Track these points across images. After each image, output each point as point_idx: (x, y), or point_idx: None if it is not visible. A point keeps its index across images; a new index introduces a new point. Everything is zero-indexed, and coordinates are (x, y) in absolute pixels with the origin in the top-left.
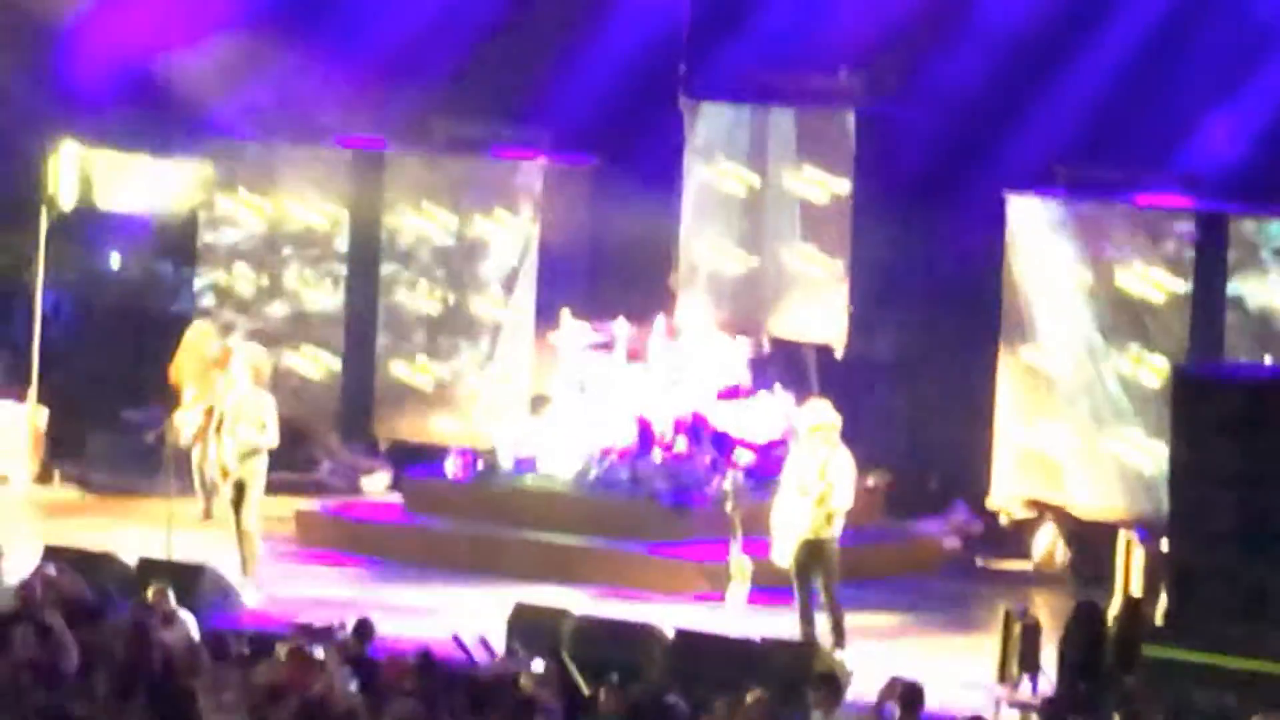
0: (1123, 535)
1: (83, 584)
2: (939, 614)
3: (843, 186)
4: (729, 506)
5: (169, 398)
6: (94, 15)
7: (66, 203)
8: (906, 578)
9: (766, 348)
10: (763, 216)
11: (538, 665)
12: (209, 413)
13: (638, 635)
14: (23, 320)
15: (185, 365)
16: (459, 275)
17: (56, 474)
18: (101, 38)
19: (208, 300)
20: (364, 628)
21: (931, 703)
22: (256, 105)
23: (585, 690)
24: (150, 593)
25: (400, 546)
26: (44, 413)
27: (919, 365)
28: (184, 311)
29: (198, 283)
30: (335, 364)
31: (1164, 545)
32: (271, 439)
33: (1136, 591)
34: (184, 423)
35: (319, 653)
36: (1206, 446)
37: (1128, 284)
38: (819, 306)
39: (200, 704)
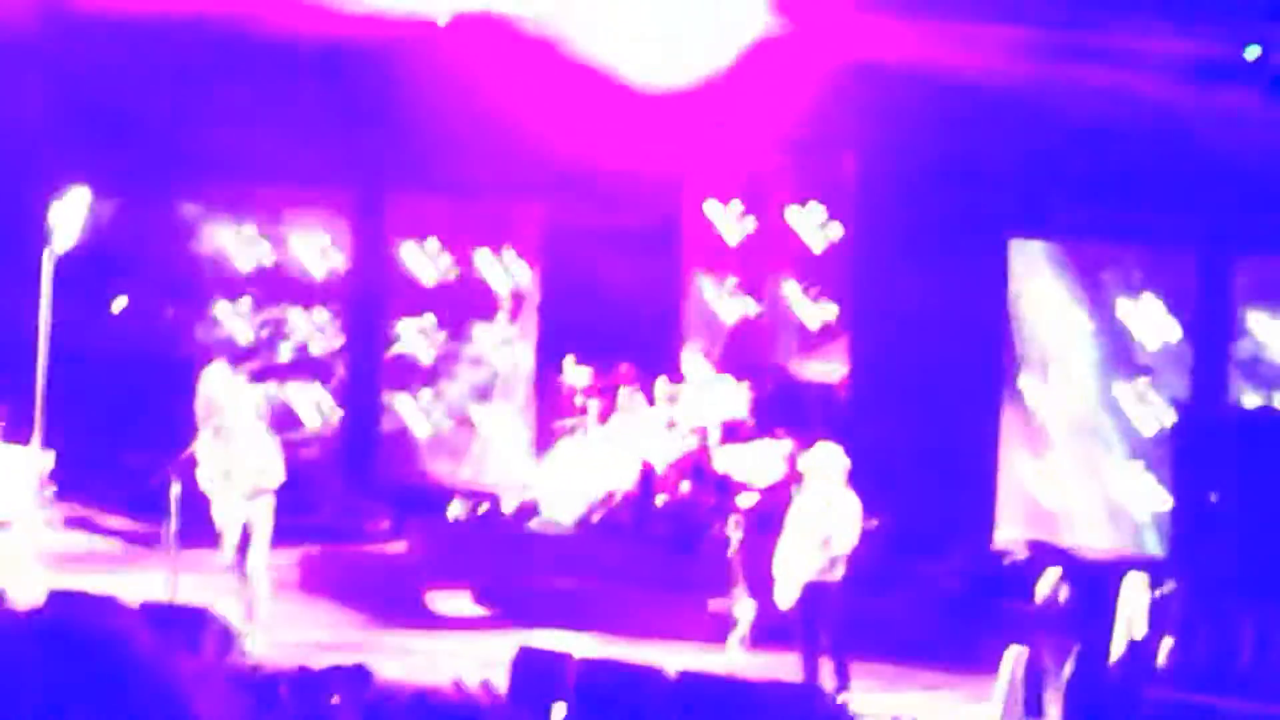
0: (1130, 577)
1: None
2: (942, 657)
3: (843, 228)
4: (732, 550)
5: (173, 441)
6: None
7: (67, 246)
8: (909, 621)
9: (770, 390)
10: (763, 258)
11: (558, 712)
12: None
13: (641, 678)
14: (27, 365)
15: (197, 408)
16: (461, 318)
17: (60, 518)
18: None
19: (211, 344)
20: (360, 674)
21: None
22: (260, 147)
23: None
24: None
25: (403, 591)
26: (48, 456)
27: (922, 406)
28: (187, 355)
29: (200, 326)
30: (339, 408)
31: (1167, 587)
32: (277, 478)
33: (1140, 634)
34: (203, 479)
35: (333, 700)
36: (1210, 489)
37: (1129, 325)
38: (822, 347)
39: None
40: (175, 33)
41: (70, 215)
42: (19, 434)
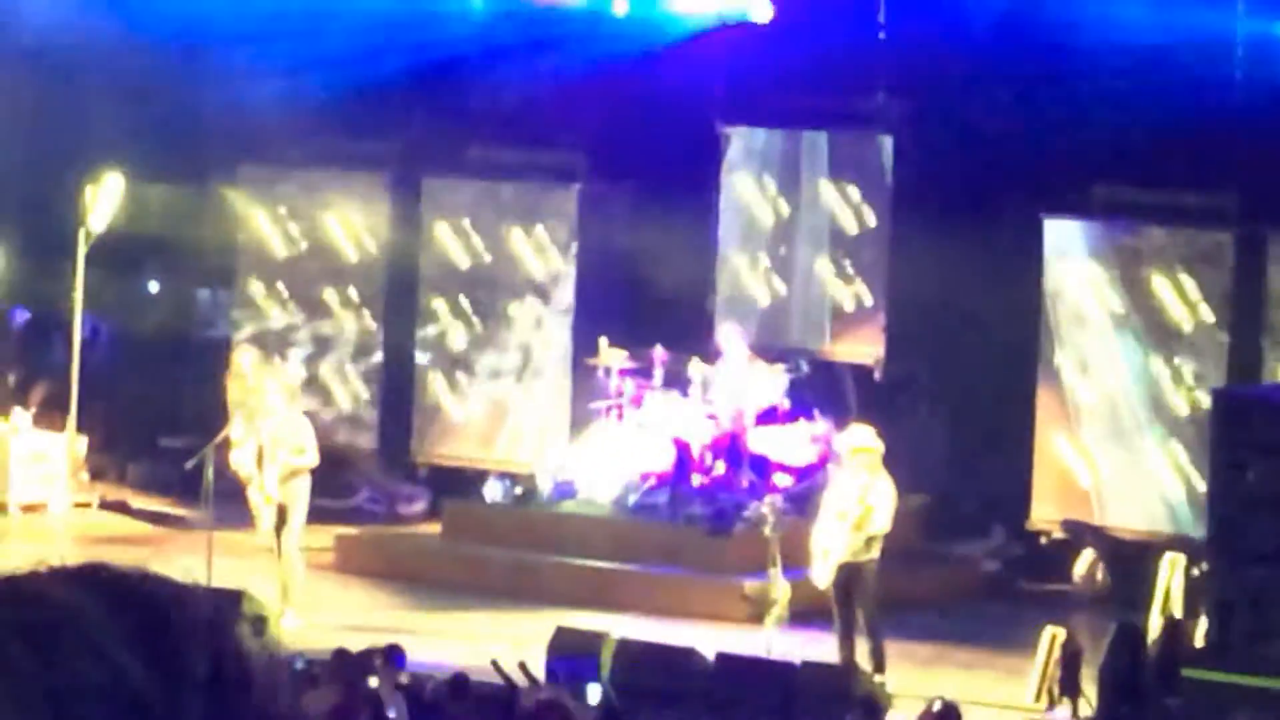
0: (1167, 558)
1: None
2: (979, 637)
3: (879, 209)
4: (768, 531)
5: (208, 424)
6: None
7: (101, 228)
8: (946, 601)
9: (805, 371)
10: (798, 240)
11: (594, 692)
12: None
13: (679, 659)
14: (62, 347)
15: (231, 391)
16: (497, 301)
17: (96, 501)
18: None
19: (246, 326)
20: (394, 654)
21: None
22: (295, 131)
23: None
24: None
25: (439, 572)
26: (83, 440)
27: (957, 388)
28: (222, 338)
29: (236, 309)
30: (374, 390)
31: (1204, 567)
32: (311, 459)
33: (1177, 613)
34: (239, 463)
35: (371, 681)
36: (1247, 468)
37: (1165, 306)
38: (856, 329)
39: None
40: (213, 13)
41: (105, 198)
42: (54, 417)
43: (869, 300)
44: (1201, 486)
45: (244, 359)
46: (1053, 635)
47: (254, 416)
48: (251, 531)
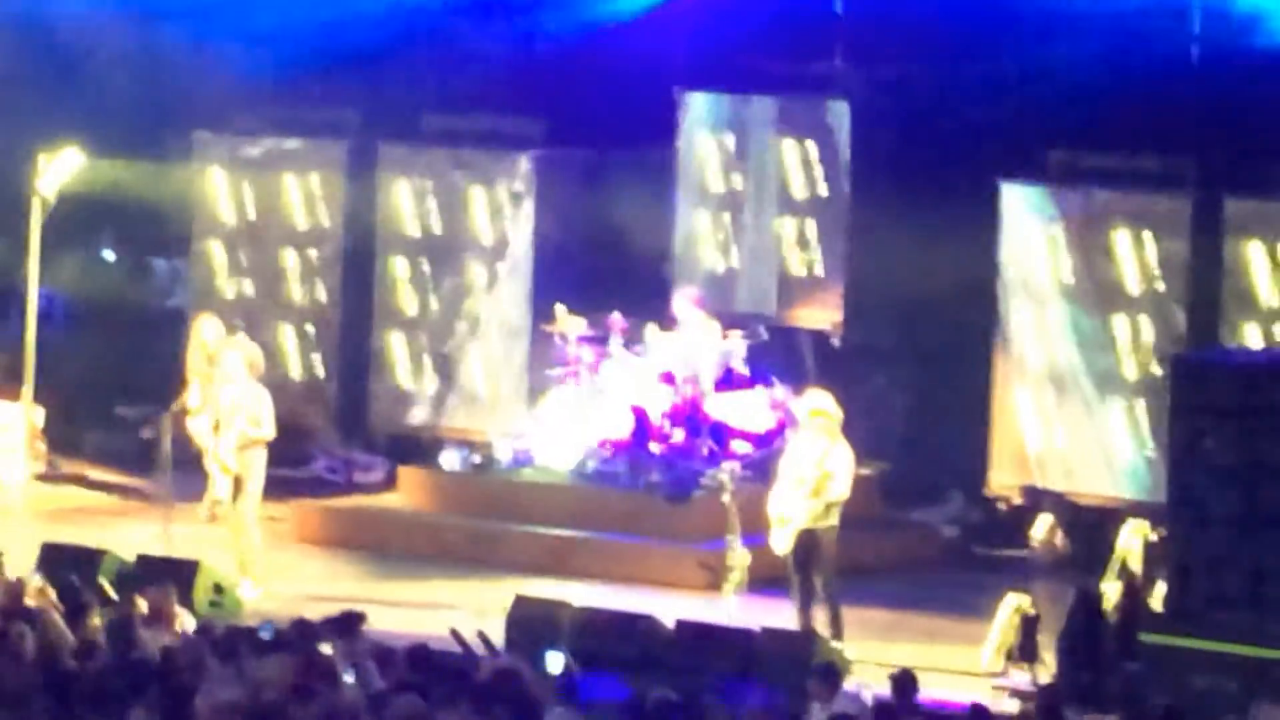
0: (1130, 524)
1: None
2: (937, 604)
3: (836, 175)
4: (726, 498)
5: (164, 394)
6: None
7: (51, 195)
8: (904, 568)
9: (764, 337)
10: (755, 205)
11: (554, 661)
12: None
13: (638, 627)
14: (16, 318)
15: (191, 360)
16: (453, 268)
17: (53, 472)
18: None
19: (202, 295)
20: (353, 622)
21: (931, 692)
22: (252, 99)
23: None
24: (146, 597)
25: (397, 541)
26: (40, 411)
27: (915, 354)
28: (179, 307)
29: (192, 278)
30: (331, 358)
31: (1163, 532)
32: (268, 431)
33: (1135, 578)
34: (197, 431)
35: (329, 650)
36: (1205, 434)
37: (1123, 271)
38: (814, 296)
39: (199, 703)
40: None
41: (59, 168)
42: (10, 388)
43: (827, 267)
44: (1160, 452)
45: (206, 327)
46: (1015, 604)
47: (210, 385)
48: (208, 502)
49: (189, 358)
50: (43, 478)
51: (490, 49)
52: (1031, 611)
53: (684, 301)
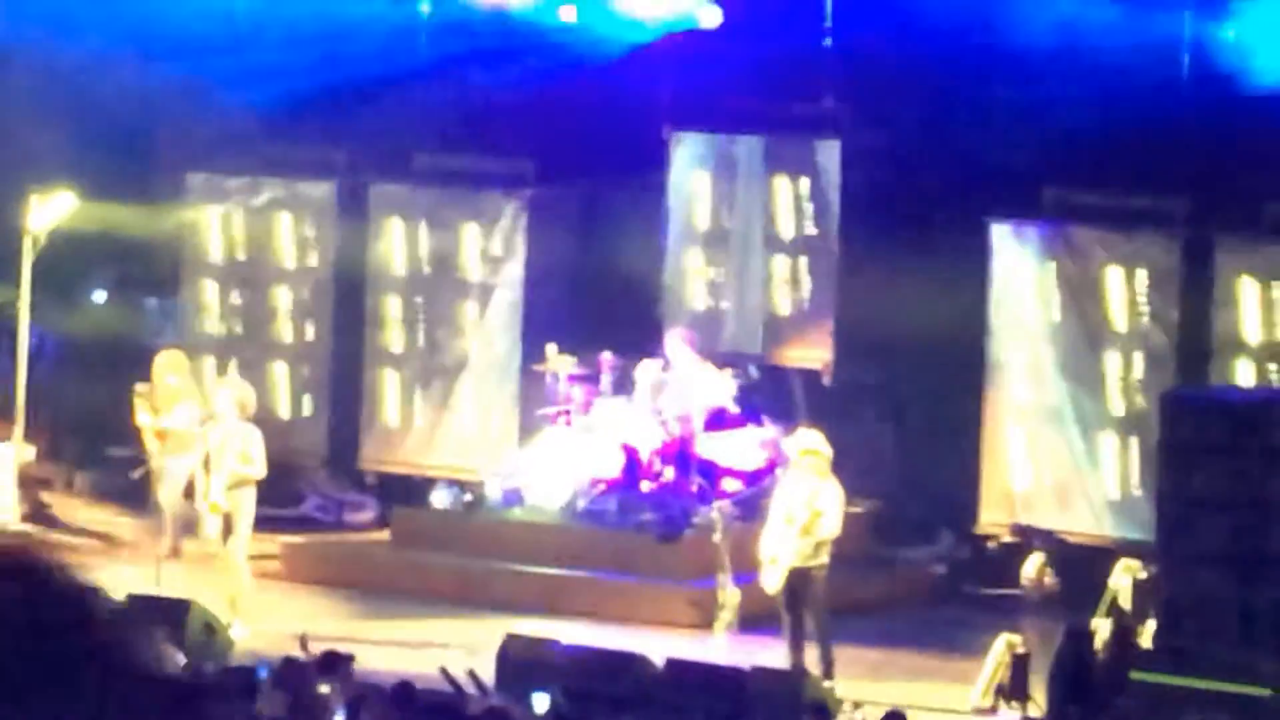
0: (1122, 563)
1: None
2: (928, 642)
3: (827, 214)
4: (717, 536)
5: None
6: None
7: (41, 231)
8: (894, 606)
9: (754, 376)
10: (746, 245)
11: (540, 702)
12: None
13: (629, 666)
14: (7, 357)
15: (156, 393)
16: (445, 308)
17: (43, 511)
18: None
19: (194, 334)
20: (342, 662)
21: None
22: (242, 139)
23: None
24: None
25: (388, 580)
26: (30, 450)
27: (905, 392)
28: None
29: (183, 318)
30: (321, 397)
31: (1152, 569)
32: (259, 470)
33: (1125, 616)
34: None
35: (320, 689)
36: (1195, 470)
37: (1113, 310)
38: (805, 334)
39: None
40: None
41: (51, 209)
42: (1, 427)
43: (817, 305)
44: (1150, 489)
45: (164, 364)
46: (1008, 641)
47: (201, 424)
48: (198, 541)
49: (154, 395)
50: (32, 517)
51: (480, 89)
52: (1022, 649)
53: (676, 341)
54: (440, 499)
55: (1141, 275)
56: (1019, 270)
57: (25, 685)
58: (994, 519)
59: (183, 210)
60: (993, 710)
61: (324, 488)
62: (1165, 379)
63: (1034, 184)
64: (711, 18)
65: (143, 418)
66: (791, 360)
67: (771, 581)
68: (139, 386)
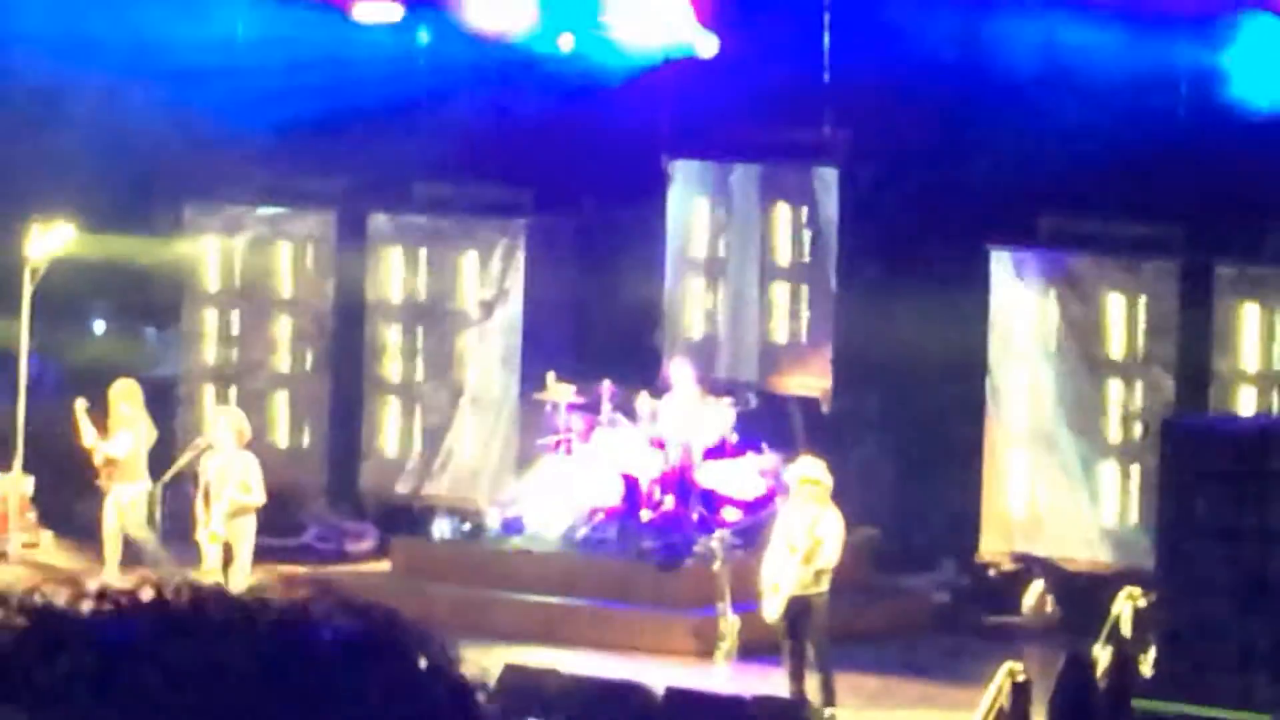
0: (1124, 591)
1: None
2: (928, 670)
3: (825, 241)
4: (717, 565)
5: (154, 464)
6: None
7: (41, 260)
8: (895, 634)
9: (753, 404)
10: (745, 272)
11: None
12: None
13: (629, 695)
14: (7, 387)
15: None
16: (444, 337)
17: (43, 541)
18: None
19: (193, 364)
20: None
21: None
22: (241, 169)
23: None
24: None
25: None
26: (30, 480)
27: (905, 419)
28: (169, 376)
29: (182, 347)
30: (320, 427)
31: (1153, 597)
32: (258, 498)
33: (1126, 644)
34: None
35: None
36: (1196, 499)
37: (1112, 336)
38: (804, 362)
39: None
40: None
41: (51, 240)
42: (1, 458)
43: (816, 333)
44: (1150, 517)
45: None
46: (1009, 669)
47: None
48: (199, 569)
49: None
50: (32, 546)
51: (479, 117)
52: (1023, 677)
53: (677, 369)
54: (440, 528)
55: (1141, 302)
56: (1018, 298)
57: None
58: (994, 547)
59: (182, 240)
60: None
61: (324, 517)
62: (1165, 406)
63: (1033, 212)
64: (709, 46)
65: (87, 437)
66: (790, 388)
67: (772, 610)
68: (79, 403)
